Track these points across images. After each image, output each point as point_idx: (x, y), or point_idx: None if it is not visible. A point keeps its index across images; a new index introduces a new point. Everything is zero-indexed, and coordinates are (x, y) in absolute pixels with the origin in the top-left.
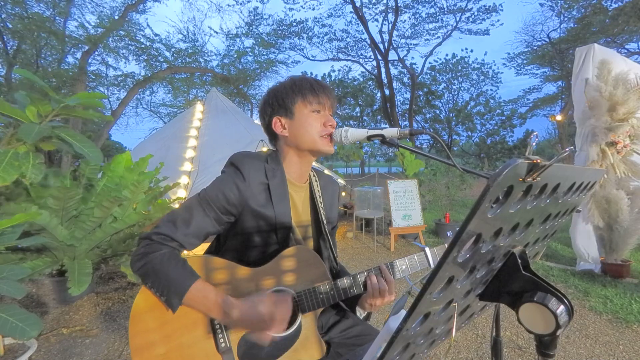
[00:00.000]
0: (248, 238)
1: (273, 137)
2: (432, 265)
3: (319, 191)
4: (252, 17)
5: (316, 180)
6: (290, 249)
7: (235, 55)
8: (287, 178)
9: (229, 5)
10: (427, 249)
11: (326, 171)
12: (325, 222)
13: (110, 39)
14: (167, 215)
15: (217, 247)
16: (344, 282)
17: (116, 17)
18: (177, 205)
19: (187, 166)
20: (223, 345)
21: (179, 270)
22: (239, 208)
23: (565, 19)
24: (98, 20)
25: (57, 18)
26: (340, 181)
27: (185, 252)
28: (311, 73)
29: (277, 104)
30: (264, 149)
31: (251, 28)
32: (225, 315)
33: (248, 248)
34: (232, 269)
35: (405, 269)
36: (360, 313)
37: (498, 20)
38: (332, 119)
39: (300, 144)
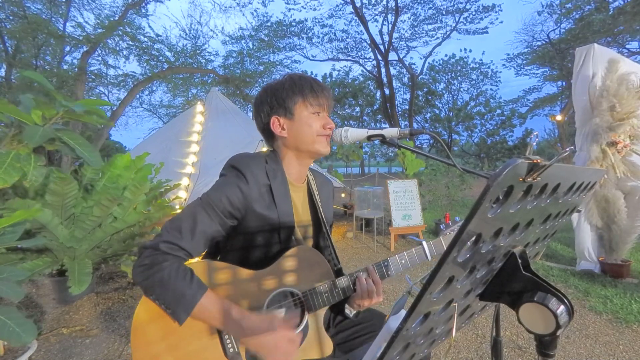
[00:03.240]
0: (250, 240)
1: (270, 137)
2: (430, 258)
3: (316, 190)
4: (261, 21)
5: (313, 180)
6: (293, 249)
7: (239, 58)
8: (287, 179)
9: (230, 6)
10: (424, 243)
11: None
12: (325, 221)
13: (110, 39)
14: (171, 222)
15: (217, 249)
16: (347, 280)
17: (116, 17)
18: (176, 204)
19: (188, 169)
20: (231, 350)
21: (187, 282)
22: (243, 211)
23: (565, 19)
24: (98, 21)
25: (54, 18)
26: (338, 183)
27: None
28: (311, 72)
29: (277, 103)
30: (264, 149)
31: (257, 32)
32: (233, 328)
33: (250, 250)
34: (236, 272)
35: (404, 263)
36: (350, 312)
37: (497, 19)
38: (331, 122)
39: (299, 145)
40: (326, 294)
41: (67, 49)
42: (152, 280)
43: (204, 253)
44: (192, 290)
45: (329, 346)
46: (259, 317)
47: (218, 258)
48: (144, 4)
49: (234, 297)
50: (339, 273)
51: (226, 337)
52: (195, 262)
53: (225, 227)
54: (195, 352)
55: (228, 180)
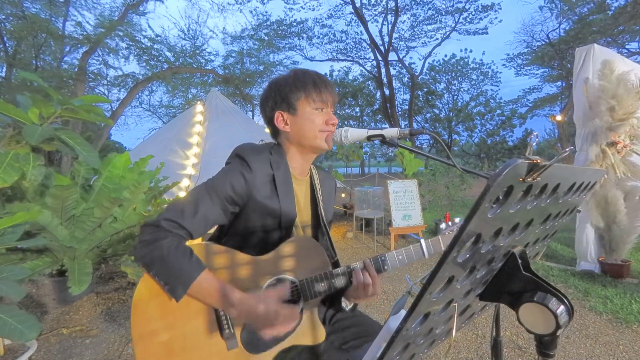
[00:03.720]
0: (252, 229)
1: (274, 131)
2: (427, 256)
3: (318, 185)
4: (261, 20)
5: (316, 174)
6: (292, 238)
7: (239, 58)
8: (291, 172)
9: (229, 3)
10: (422, 241)
11: None
12: (324, 216)
13: (110, 40)
14: (174, 203)
15: (220, 236)
16: (345, 270)
17: (116, 18)
18: None
19: (189, 170)
20: (227, 331)
21: (186, 260)
22: (245, 198)
23: (565, 19)
24: (97, 20)
25: (53, 18)
26: (338, 183)
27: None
28: None
29: (280, 98)
30: None
31: (257, 31)
32: (229, 308)
33: (251, 239)
34: (235, 257)
35: (401, 259)
36: (347, 305)
37: (497, 18)
38: (334, 117)
39: (301, 140)
40: (322, 283)
41: (67, 49)
42: (152, 256)
43: (207, 238)
44: (190, 268)
45: (321, 334)
46: (253, 296)
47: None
48: (143, 3)
49: (231, 281)
50: (335, 266)
51: (223, 319)
52: (196, 245)
53: (227, 213)
54: (192, 332)
55: (232, 167)
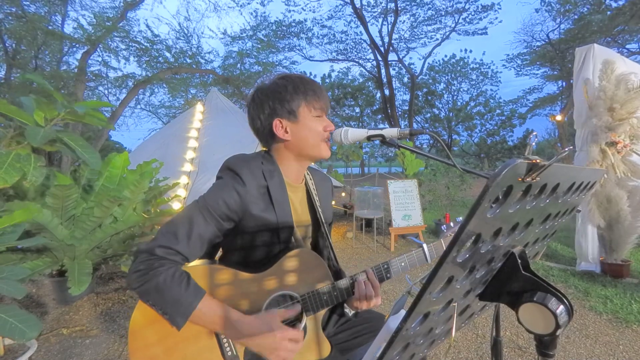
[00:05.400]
0: (250, 241)
1: (270, 139)
2: (429, 261)
3: (314, 189)
4: (259, 20)
5: (311, 179)
6: (292, 252)
7: (238, 58)
8: (285, 180)
9: (229, 7)
10: (424, 245)
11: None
12: (323, 221)
13: (110, 40)
14: (166, 226)
15: (214, 251)
16: (346, 282)
17: (115, 18)
18: (175, 204)
19: (187, 166)
20: (229, 353)
21: (183, 287)
22: (240, 214)
23: (564, 19)
24: (95, 21)
25: (54, 18)
26: (338, 183)
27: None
28: (310, 73)
29: (279, 105)
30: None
31: (256, 32)
32: (232, 332)
33: (250, 251)
34: (235, 275)
35: (404, 266)
36: (349, 311)
37: (497, 18)
38: (331, 124)
39: (302, 149)
40: (325, 297)
41: (66, 49)
42: (147, 286)
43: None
44: (189, 296)
45: (326, 348)
46: (256, 319)
47: (217, 257)
48: (140, 2)
49: (233, 299)
50: (337, 274)
51: (224, 339)
52: (195, 266)
53: (222, 230)
54: (193, 355)
55: (225, 183)
